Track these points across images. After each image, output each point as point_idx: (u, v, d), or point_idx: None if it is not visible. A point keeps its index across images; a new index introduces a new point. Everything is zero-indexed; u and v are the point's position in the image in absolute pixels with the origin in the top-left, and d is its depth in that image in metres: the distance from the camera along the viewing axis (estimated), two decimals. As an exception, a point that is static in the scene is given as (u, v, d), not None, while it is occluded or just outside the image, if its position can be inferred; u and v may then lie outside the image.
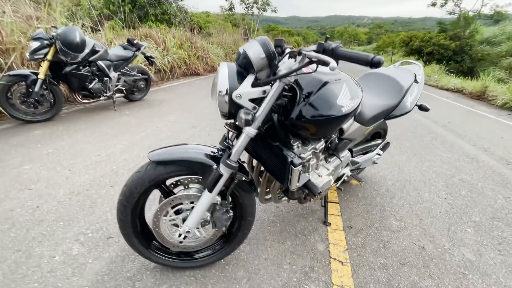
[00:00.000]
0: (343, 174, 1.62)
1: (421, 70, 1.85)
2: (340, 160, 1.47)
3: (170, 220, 1.09)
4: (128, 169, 2.12)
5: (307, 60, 0.88)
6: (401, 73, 1.74)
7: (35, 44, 2.82)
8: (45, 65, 2.90)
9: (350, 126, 1.37)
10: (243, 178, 1.03)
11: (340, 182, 1.62)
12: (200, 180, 1.10)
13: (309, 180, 1.20)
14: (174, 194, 1.10)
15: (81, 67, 3.19)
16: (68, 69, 3.06)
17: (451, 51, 12.56)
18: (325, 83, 1.03)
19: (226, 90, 0.92)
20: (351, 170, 1.68)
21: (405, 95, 1.62)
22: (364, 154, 1.78)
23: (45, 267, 1.19)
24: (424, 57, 13.75)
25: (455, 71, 12.14)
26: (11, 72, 2.81)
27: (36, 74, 2.89)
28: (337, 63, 0.80)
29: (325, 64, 0.78)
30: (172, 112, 3.90)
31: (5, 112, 2.83)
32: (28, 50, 2.86)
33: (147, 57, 4.26)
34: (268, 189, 1.37)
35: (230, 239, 1.21)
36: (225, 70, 0.94)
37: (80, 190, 1.79)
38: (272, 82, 0.93)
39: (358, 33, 56.06)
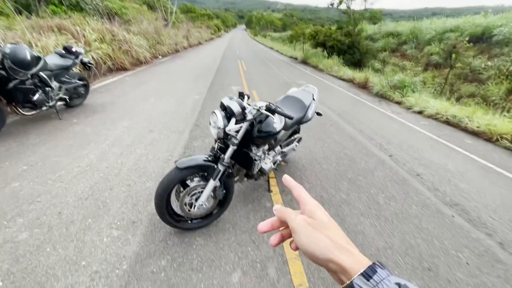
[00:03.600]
0: (277, 160, 2.65)
1: (316, 91, 3.01)
2: (275, 152, 2.48)
3: (188, 201, 1.86)
4: (115, 174, 2.62)
5: (261, 113, 1.78)
6: (304, 95, 2.84)
7: (-27, 62, 2.76)
8: (-14, 82, 2.86)
9: (280, 133, 2.36)
10: (230, 171, 1.90)
11: (276, 165, 2.64)
12: (200, 175, 1.89)
13: (261, 167, 2.15)
14: (188, 185, 1.87)
15: (25, 81, 3.20)
16: (12, 84, 3.06)
17: (346, 45, 15.50)
18: (267, 116, 1.96)
19: (222, 126, 1.74)
20: (281, 157, 2.72)
21: (308, 110, 2.71)
22: (287, 145, 2.84)
23: (102, 245, 1.79)
24: (328, 49, 16.45)
25: (350, 62, 15.16)
26: None
27: (-24, 91, 2.84)
28: (274, 114, 1.74)
29: (269, 120, 1.71)
30: (121, 117, 4.20)
31: None
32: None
33: (84, 63, 4.30)
34: (237, 175, 2.26)
35: (222, 205, 2.07)
36: (220, 116, 1.75)
37: (86, 196, 2.26)
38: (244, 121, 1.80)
39: (273, 19, 59.52)
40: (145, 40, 10.64)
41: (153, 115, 4.42)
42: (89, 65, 4.35)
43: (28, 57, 2.99)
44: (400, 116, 6.21)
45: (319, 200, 2.61)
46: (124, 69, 8.09)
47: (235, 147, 1.79)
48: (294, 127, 2.64)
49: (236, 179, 2.28)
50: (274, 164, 2.59)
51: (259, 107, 1.79)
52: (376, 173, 3.30)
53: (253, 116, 1.78)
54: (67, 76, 3.92)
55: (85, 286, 1.52)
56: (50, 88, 3.60)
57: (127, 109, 4.62)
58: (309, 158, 3.51)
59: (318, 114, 2.97)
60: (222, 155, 1.84)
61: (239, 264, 1.77)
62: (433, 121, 6.08)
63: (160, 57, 11.90)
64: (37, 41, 4.98)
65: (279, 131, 2.09)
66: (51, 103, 3.66)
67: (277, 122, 2.03)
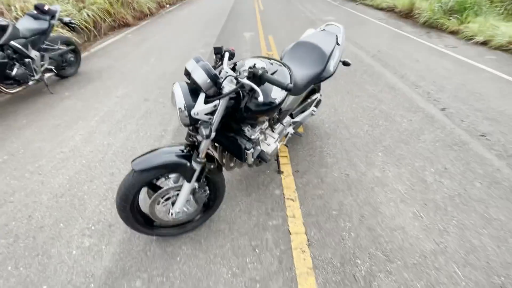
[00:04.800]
0: (288, 133, 2.03)
1: (342, 31, 2.14)
2: (283, 125, 1.86)
3: (163, 206, 1.42)
4: (99, 160, 2.26)
5: (242, 83, 1.13)
6: (324, 39, 2.02)
7: None
8: None
9: (286, 101, 1.69)
10: (212, 166, 1.36)
11: (286, 140, 2.04)
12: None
13: (261, 151, 1.57)
14: (159, 186, 1.41)
15: (-7, 55, 2.78)
16: (-22, 60, 2.67)
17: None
18: (253, 90, 1.30)
19: (184, 107, 1.14)
20: (294, 128, 2.09)
21: (328, 60, 1.93)
22: (302, 112, 2.17)
23: (69, 261, 1.49)
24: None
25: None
26: None
27: None
28: (263, 84, 1.09)
29: (255, 94, 1.06)
30: (117, 84, 3.73)
31: None
32: None
33: (66, 23, 3.72)
34: (230, 162, 1.73)
35: (211, 206, 1.61)
36: (179, 91, 1.15)
37: (62, 192, 1.95)
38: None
39: None
40: (148, -13, 9.44)
41: (150, 79, 3.88)
42: (71, 25, 3.76)
43: (-22, 24, 2.51)
44: (456, 51, 4.88)
45: (343, 180, 2.03)
46: (127, 25, 7.35)
47: (211, 137, 1.22)
48: (310, 87, 1.93)
49: (231, 165, 1.75)
50: (285, 137, 2.00)
51: (237, 75, 1.14)
52: (423, 136, 2.53)
53: (230, 91, 1.14)
54: (47, 42, 3.43)
55: (44, 318, 1.25)
56: (30, 59, 3.16)
57: (124, 74, 4.12)
58: (334, 120, 2.81)
59: (345, 63, 2.17)
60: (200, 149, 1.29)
61: (232, 285, 1.37)
62: (503, 54, 4.69)
63: (168, 6, 10.72)
64: (16, 1, 4.40)
65: (283, 100, 1.44)
66: (36, 76, 3.27)
67: (275, 91, 1.37)
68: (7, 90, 3.10)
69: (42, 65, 3.36)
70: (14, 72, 2.99)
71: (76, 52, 3.95)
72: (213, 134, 1.22)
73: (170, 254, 1.52)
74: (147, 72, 4.15)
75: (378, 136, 2.55)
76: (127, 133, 2.62)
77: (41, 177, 2.10)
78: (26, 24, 3.20)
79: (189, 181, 1.31)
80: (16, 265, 1.48)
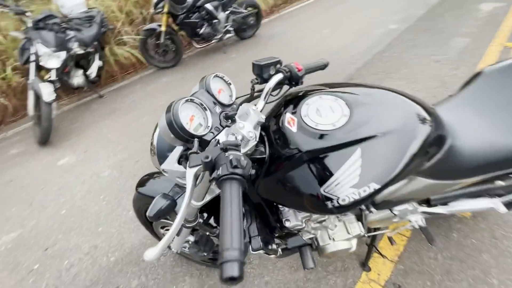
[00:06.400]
0: (406, 220, 1.10)
1: None
2: (393, 213, 1.00)
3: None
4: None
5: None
6: None
7: (155, -1, 3.18)
8: (164, 17, 3.28)
9: (399, 189, 0.81)
10: (207, 233, 0.94)
11: (394, 232, 1.13)
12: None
13: (304, 248, 0.92)
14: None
15: (190, 15, 3.38)
16: (179, 18, 3.34)
17: None
18: (312, 159, 0.62)
19: (155, 149, 0.76)
20: (423, 219, 1.10)
21: None
22: (464, 197, 1.07)
23: (123, 218, 1.71)
24: None
25: None
26: (145, 27, 3.41)
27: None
28: None
29: None
30: (275, 53, 3.62)
31: (146, 61, 3.65)
32: (152, 5, 3.28)
33: (257, -14, 3.86)
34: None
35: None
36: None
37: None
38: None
39: None
40: None
41: (308, 55, 3.44)
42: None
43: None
44: None
45: None
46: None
47: (196, 205, 0.77)
48: (492, 174, 0.85)
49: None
50: (392, 228, 1.13)
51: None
52: None
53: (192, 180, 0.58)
54: (235, 6, 3.74)
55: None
56: (216, 20, 3.62)
57: (289, 44, 3.93)
58: None
59: None
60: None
61: None
62: None
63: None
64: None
65: (371, 195, 0.67)
66: (218, 36, 3.76)
67: (345, 179, 0.62)
68: (196, 46, 3.81)
69: (225, 27, 3.78)
70: (202, 31, 3.56)
71: (258, 15, 4.13)
72: (196, 203, 0.76)
73: (174, 276, 1.37)
74: (309, 45, 3.72)
75: None
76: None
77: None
78: (223, -13, 3.59)
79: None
80: (104, 197, 1.88)
